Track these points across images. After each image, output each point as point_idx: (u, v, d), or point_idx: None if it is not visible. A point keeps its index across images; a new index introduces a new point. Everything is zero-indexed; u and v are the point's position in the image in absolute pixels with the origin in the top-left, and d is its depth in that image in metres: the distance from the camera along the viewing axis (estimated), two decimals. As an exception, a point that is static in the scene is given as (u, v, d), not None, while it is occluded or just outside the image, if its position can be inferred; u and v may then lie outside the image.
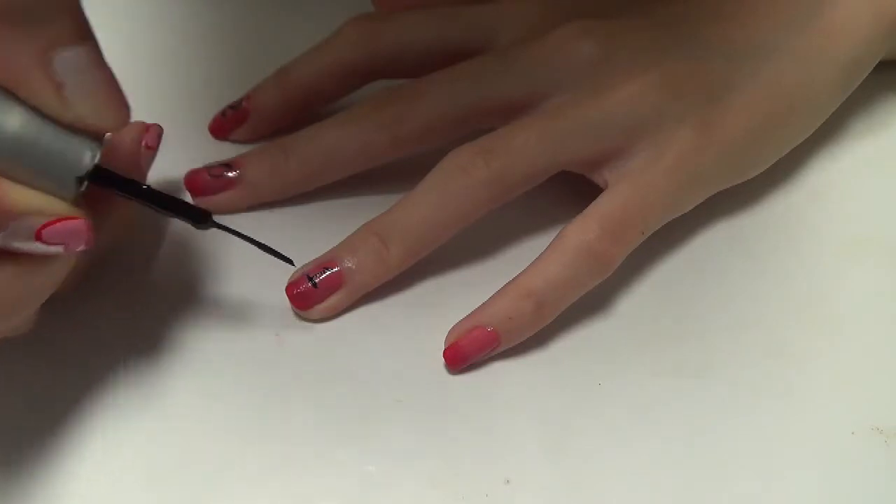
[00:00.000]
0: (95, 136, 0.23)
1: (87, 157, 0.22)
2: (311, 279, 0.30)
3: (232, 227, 0.28)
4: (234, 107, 0.36)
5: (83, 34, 0.21)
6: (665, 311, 0.32)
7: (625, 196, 0.31)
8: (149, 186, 0.25)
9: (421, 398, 0.29)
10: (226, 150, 0.35)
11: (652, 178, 0.31)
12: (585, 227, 0.30)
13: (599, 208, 0.31)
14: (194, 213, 0.26)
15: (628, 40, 0.33)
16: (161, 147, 0.32)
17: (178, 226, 0.33)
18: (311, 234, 0.31)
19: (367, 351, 0.30)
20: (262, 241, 0.28)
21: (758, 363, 0.31)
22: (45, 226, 0.22)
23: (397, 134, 0.32)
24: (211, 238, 0.33)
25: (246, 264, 0.32)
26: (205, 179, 0.33)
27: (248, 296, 0.32)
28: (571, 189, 0.33)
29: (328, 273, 0.30)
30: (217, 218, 0.26)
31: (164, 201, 0.25)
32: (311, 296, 0.30)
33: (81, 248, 0.23)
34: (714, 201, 0.34)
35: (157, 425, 0.28)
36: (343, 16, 0.35)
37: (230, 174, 0.33)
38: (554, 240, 0.31)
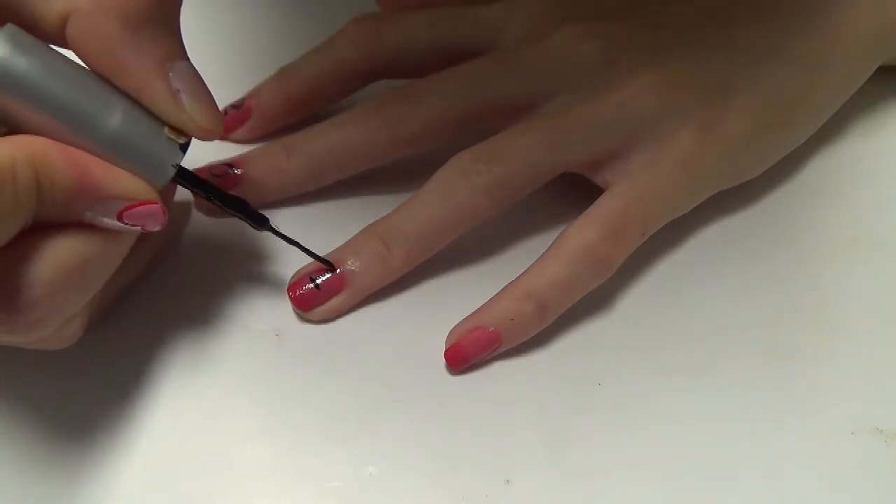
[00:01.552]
0: (183, 142, 0.26)
1: (177, 155, 0.26)
2: (313, 280, 0.31)
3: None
4: (235, 106, 0.36)
5: (185, 53, 0.26)
6: (665, 310, 0.32)
7: (625, 197, 0.31)
8: (218, 188, 0.29)
9: (421, 398, 0.29)
10: (227, 150, 0.35)
11: (652, 179, 0.31)
12: (586, 229, 0.30)
13: (600, 209, 0.31)
14: (255, 216, 0.29)
15: (630, 41, 0.33)
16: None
17: (177, 227, 0.33)
18: (312, 234, 0.31)
19: (367, 351, 0.30)
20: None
21: (758, 363, 0.31)
22: (127, 208, 0.25)
23: (398, 134, 0.32)
24: (211, 238, 0.33)
25: (247, 264, 0.32)
26: (207, 178, 0.33)
27: (248, 296, 0.32)
28: (572, 190, 0.33)
29: (331, 275, 0.31)
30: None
31: (231, 201, 0.29)
32: (313, 297, 0.31)
33: (156, 228, 0.26)
34: (714, 201, 0.34)
35: (157, 425, 0.28)
36: (345, 15, 0.35)
37: (232, 173, 0.33)
38: (555, 241, 0.31)
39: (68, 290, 0.24)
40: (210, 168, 0.33)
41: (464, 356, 0.30)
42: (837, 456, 0.29)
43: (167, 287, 0.32)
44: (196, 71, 0.26)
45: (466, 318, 0.30)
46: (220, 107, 0.35)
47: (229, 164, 0.33)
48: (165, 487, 0.27)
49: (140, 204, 0.25)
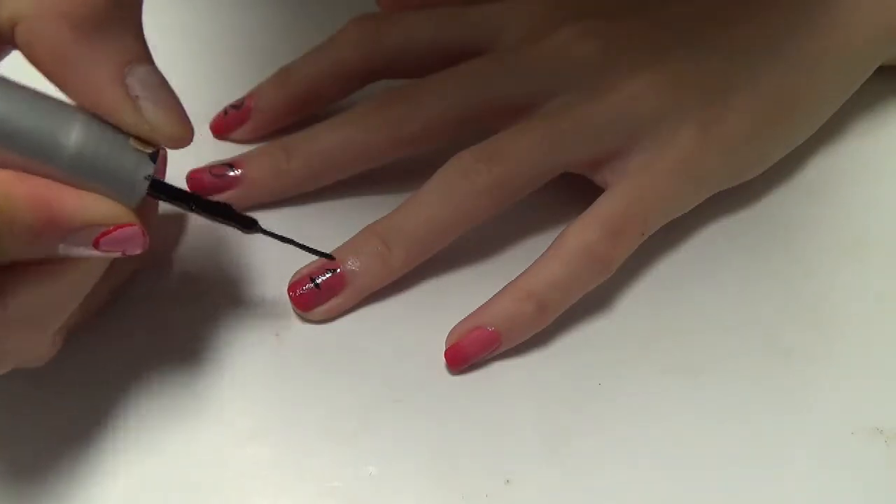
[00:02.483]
0: (152, 151, 0.24)
1: (148, 167, 0.24)
2: (313, 280, 0.30)
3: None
4: (235, 106, 0.36)
5: (148, 55, 0.24)
6: (665, 310, 0.32)
7: (625, 197, 0.31)
8: (199, 196, 0.26)
9: (421, 398, 0.29)
10: (227, 150, 0.35)
11: (652, 178, 0.31)
12: (586, 229, 0.30)
13: (600, 209, 0.31)
14: (242, 219, 0.27)
15: (630, 41, 0.33)
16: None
17: (176, 226, 0.33)
18: (311, 233, 0.31)
19: (367, 351, 0.30)
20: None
21: (758, 363, 0.31)
22: (102, 234, 0.23)
23: (398, 134, 0.32)
24: (210, 237, 0.33)
25: (247, 264, 0.32)
26: (206, 179, 0.33)
27: (248, 295, 0.32)
28: (572, 189, 0.33)
29: (331, 274, 0.31)
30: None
31: (215, 209, 0.26)
32: (313, 297, 0.30)
33: (138, 252, 0.24)
34: (714, 201, 0.34)
35: (156, 425, 0.28)
36: (345, 15, 0.35)
37: (231, 174, 0.33)
38: (555, 241, 0.31)
39: (30, 330, 0.23)
40: (210, 168, 0.33)
41: (464, 356, 0.30)
42: (837, 456, 0.29)
43: (166, 286, 0.32)
44: (159, 74, 0.24)
45: (466, 317, 0.30)
46: (220, 107, 0.36)
47: (229, 165, 0.33)
48: (164, 487, 0.27)
49: (116, 228, 0.23)
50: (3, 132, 0.22)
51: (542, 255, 0.31)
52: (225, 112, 0.36)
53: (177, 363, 0.30)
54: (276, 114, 0.35)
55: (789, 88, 0.33)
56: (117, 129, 0.23)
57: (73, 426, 0.28)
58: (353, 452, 0.28)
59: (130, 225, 0.23)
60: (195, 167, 0.33)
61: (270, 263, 0.32)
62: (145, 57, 0.24)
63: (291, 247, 0.30)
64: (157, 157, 0.24)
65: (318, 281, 0.30)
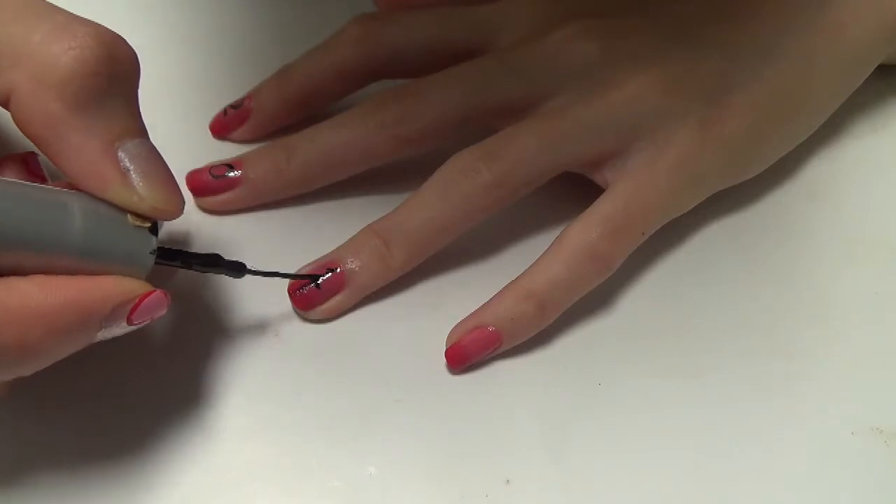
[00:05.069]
0: (150, 225, 0.24)
1: (151, 242, 0.24)
2: (313, 280, 0.30)
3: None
4: (235, 106, 0.36)
5: (142, 130, 0.24)
6: (665, 310, 0.32)
7: (626, 196, 0.31)
8: (191, 253, 0.27)
9: (421, 398, 0.29)
10: (226, 150, 0.35)
11: (652, 177, 0.31)
12: (586, 228, 0.30)
13: (600, 208, 0.31)
14: (232, 266, 0.28)
15: (629, 40, 0.33)
16: (162, 146, 0.31)
17: (177, 226, 0.33)
18: (311, 234, 0.31)
19: (367, 351, 0.30)
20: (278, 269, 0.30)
21: (757, 363, 0.31)
22: (132, 310, 0.24)
23: (398, 134, 0.32)
24: (210, 237, 0.33)
25: (247, 263, 0.32)
26: (206, 179, 0.33)
27: (248, 295, 0.32)
28: (572, 189, 0.33)
29: (331, 274, 0.31)
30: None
31: (208, 260, 0.27)
32: (314, 297, 0.30)
33: (163, 313, 0.25)
34: (714, 201, 0.34)
35: (155, 425, 0.28)
36: (345, 15, 0.35)
37: (231, 174, 0.33)
38: (555, 240, 0.31)
39: None
40: (209, 168, 0.33)
41: (464, 355, 0.30)
42: (837, 456, 0.29)
43: (165, 286, 0.32)
44: (152, 148, 0.24)
45: (467, 317, 0.30)
46: (220, 107, 0.36)
47: (229, 165, 0.33)
48: (164, 488, 0.27)
49: (141, 300, 0.24)
50: (12, 232, 0.22)
51: (542, 254, 0.31)
52: (225, 112, 0.36)
53: (176, 363, 0.30)
54: (276, 114, 0.35)
55: (789, 87, 0.33)
56: (113, 206, 0.24)
57: (70, 428, 0.28)
58: (353, 452, 0.28)
59: (151, 293, 0.24)
60: (195, 167, 0.33)
61: (271, 263, 0.32)
62: (138, 130, 0.24)
63: (291, 247, 0.30)
64: (157, 229, 0.24)
65: (319, 280, 0.30)
